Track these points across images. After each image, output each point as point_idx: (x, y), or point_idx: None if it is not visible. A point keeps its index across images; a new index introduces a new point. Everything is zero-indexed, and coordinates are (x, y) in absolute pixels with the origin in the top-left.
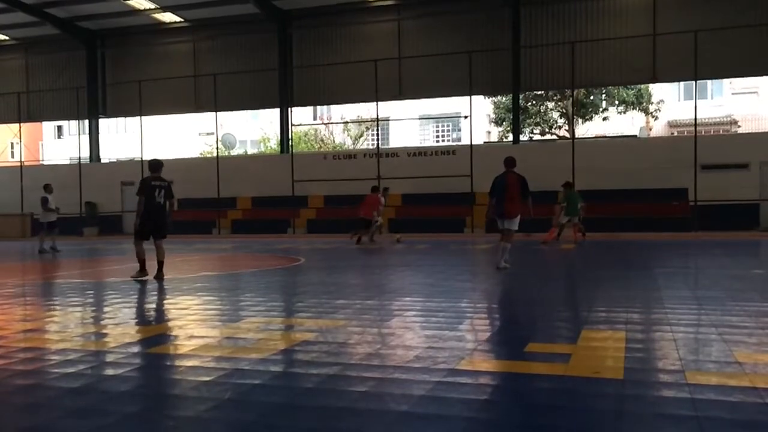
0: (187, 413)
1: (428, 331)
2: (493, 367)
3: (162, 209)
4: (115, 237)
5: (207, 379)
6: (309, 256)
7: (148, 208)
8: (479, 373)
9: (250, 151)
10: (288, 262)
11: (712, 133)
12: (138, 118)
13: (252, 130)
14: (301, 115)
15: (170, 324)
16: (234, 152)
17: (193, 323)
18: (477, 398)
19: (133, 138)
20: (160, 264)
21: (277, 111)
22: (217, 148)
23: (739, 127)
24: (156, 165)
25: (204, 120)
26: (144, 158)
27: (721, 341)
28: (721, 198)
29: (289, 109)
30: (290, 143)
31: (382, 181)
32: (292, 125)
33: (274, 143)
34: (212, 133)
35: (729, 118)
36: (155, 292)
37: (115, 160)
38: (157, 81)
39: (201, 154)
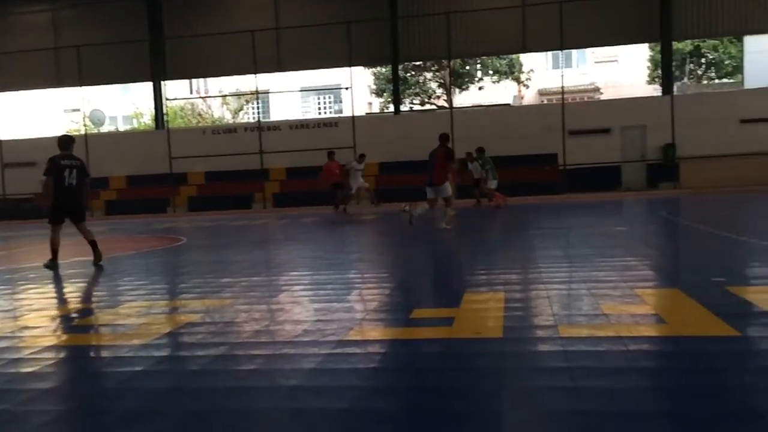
0: (63, 406)
1: (316, 304)
2: (380, 336)
3: (75, 190)
4: None
5: (82, 369)
6: (191, 235)
7: (58, 190)
8: (368, 343)
9: (122, 127)
10: (169, 242)
11: (577, 100)
12: None
13: (123, 105)
14: (175, 88)
15: (42, 314)
16: (104, 129)
17: (67, 312)
18: (366, 367)
19: None
20: (93, 244)
21: (149, 85)
22: (85, 125)
23: (601, 94)
24: (66, 142)
25: (69, 95)
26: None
27: (590, 295)
28: (587, 161)
29: (163, 82)
30: (165, 118)
31: (266, 155)
32: (166, 99)
33: (147, 119)
34: (78, 110)
35: (593, 86)
36: (24, 282)
37: None
38: (10, 54)
39: (67, 132)
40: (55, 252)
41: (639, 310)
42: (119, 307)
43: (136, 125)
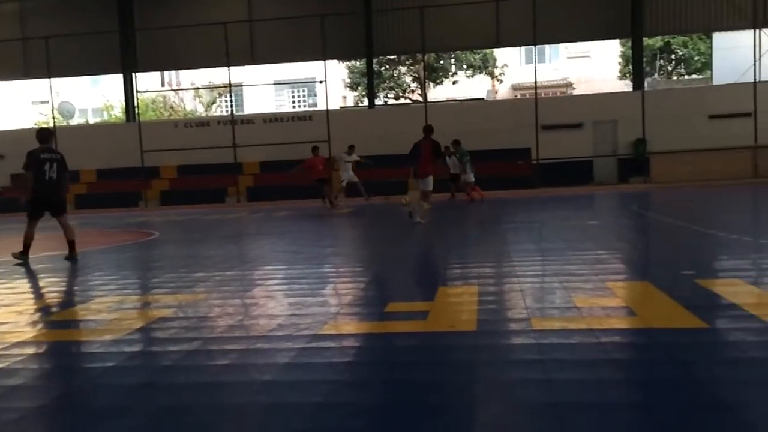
0: (32, 403)
1: (291, 298)
2: (355, 330)
3: (55, 184)
4: None
5: (52, 365)
6: (163, 230)
7: (38, 184)
8: (342, 337)
9: (92, 120)
10: (141, 237)
11: (550, 95)
12: None
13: (93, 97)
14: (147, 81)
15: (11, 309)
16: (73, 122)
17: (37, 308)
18: (341, 361)
19: None
20: (71, 243)
21: (120, 77)
22: (54, 118)
23: (574, 89)
24: (45, 135)
25: (38, 87)
26: None
27: (562, 289)
28: (559, 156)
29: (133, 74)
30: (136, 111)
31: (240, 149)
32: (137, 92)
33: (118, 111)
34: (47, 102)
35: (565, 81)
36: None
37: None
38: None
39: (36, 124)
40: (27, 246)
41: (610, 303)
42: (90, 302)
43: (106, 118)
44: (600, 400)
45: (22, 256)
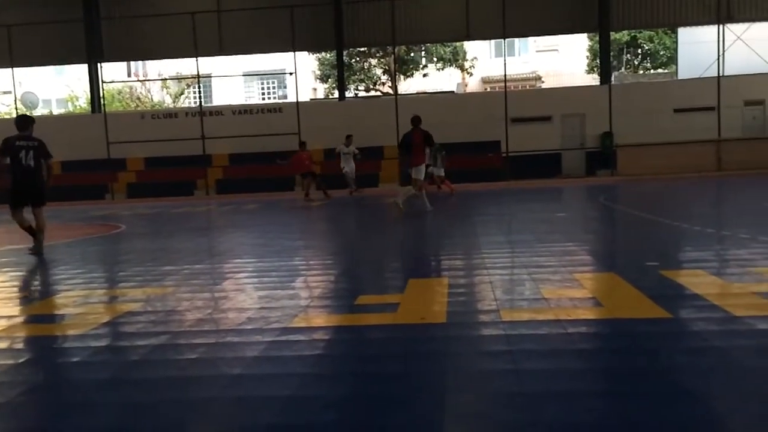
0: None
1: (261, 291)
2: (325, 322)
3: (34, 173)
4: None
5: (16, 361)
6: (130, 222)
7: (15, 173)
8: (312, 329)
9: (57, 111)
10: (107, 230)
11: (520, 88)
12: None
13: (57, 87)
14: (112, 71)
15: None
16: (37, 112)
17: None
18: (311, 354)
19: None
20: (39, 233)
21: (84, 67)
22: (17, 108)
23: (543, 82)
24: (22, 122)
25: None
26: None
27: (531, 280)
28: (529, 149)
29: (99, 64)
30: (102, 102)
31: (209, 141)
32: (102, 82)
33: (83, 102)
34: (9, 92)
35: (534, 74)
36: None
37: None
38: None
39: None
40: (28, 230)
41: (577, 294)
42: (55, 296)
43: (71, 109)
44: (567, 389)
45: (36, 247)
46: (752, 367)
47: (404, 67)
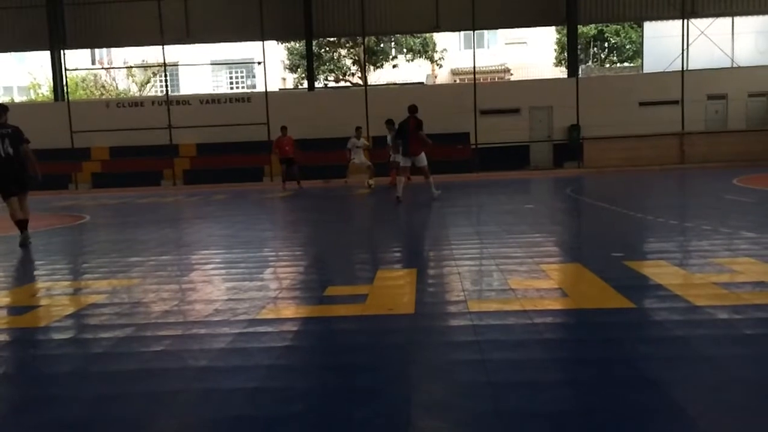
0: None
1: (228, 283)
2: (293, 314)
3: (12, 160)
4: None
5: None
6: (95, 213)
7: None
8: (280, 321)
9: (18, 99)
10: (71, 221)
11: (489, 80)
12: None
13: (19, 75)
14: (76, 58)
15: None
16: None
17: None
18: (278, 345)
19: None
20: (23, 223)
21: (47, 54)
22: None
23: (511, 75)
24: None
25: None
26: None
27: (498, 271)
28: (497, 140)
29: (62, 51)
30: (65, 90)
31: (176, 130)
32: (66, 70)
33: (46, 90)
34: None
35: (503, 67)
36: None
37: None
38: None
39: None
40: (19, 224)
41: (543, 285)
42: (17, 288)
43: (33, 97)
44: (533, 379)
45: (24, 239)
46: (712, 356)
47: (374, 57)
